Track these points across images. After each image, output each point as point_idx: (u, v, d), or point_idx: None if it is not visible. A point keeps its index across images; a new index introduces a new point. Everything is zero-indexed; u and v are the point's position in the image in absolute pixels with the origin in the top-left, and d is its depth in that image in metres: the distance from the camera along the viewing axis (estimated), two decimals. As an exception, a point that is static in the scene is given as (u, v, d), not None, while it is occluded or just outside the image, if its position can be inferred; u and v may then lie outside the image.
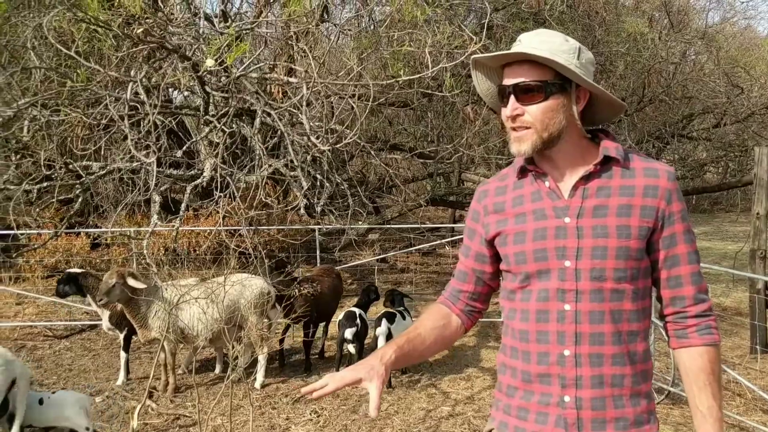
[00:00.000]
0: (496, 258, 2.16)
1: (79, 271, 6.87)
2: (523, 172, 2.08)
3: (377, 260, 11.34)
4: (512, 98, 1.96)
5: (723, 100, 12.83)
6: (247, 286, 6.44)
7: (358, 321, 6.75)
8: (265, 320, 6.70)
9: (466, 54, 3.71)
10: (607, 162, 1.98)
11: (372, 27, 8.53)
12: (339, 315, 7.14)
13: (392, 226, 11.99)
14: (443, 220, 16.14)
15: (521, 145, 1.97)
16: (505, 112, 1.99)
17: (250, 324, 6.46)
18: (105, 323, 6.79)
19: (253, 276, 6.61)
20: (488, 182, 2.22)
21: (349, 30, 9.01)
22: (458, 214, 15.37)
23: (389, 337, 6.51)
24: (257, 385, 6.59)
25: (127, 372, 6.91)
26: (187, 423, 5.84)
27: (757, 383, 6.13)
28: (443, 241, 12.05)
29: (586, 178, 1.98)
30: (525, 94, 1.94)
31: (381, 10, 8.14)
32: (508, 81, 1.97)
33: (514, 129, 1.99)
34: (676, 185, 1.99)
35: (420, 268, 12.57)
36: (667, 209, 1.95)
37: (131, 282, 6.03)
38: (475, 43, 3.59)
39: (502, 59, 2.00)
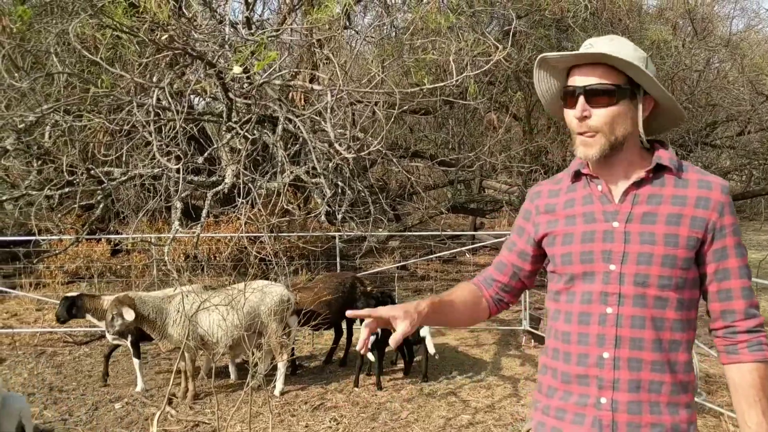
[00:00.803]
0: (537, 259, 2.21)
1: (74, 294, 6.93)
2: (577, 176, 2.10)
3: (397, 267, 11.31)
4: (581, 100, 1.94)
5: (747, 108, 12.68)
6: (267, 293, 6.42)
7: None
8: (285, 327, 6.67)
9: (492, 61, 3.67)
10: (660, 170, 1.99)
11: (394, 34, 8.52)
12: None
13: (413, 233, 11.95)
14: (464, 227, 16.06)
15: (589, 149, 1.97)
16: (573, 113, 1.97)
17: (270, 331, 6.44)
18: (108, 335, 6.80)
19: (273, 283, 6.60)
20: (542, 184, 2.24)
21: (372, 37, 9.02)
22: (479, 222, 15.29)
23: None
24: (276, 392, 6.57)
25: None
26: (206, 430, 5.83)
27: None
28: (464, 248, 12.00)
29: (638, 185, 1.99)
30: (595, 96, 1.93)
31: (403, 17, 8.13)
32: (578, 82, 1.95)
33: (580, 133, 1.98)
34: (729, 199, 1.98)
35: (440, 276, 12.51)
36: (719, 222, 1.94)
37: (124, 313, 6.06)
38: (500, 51, 3.55)
39: (573, 60, 1.98)
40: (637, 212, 1.96)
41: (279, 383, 6.63)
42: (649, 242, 1.92)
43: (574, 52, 1.96)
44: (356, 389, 6.76)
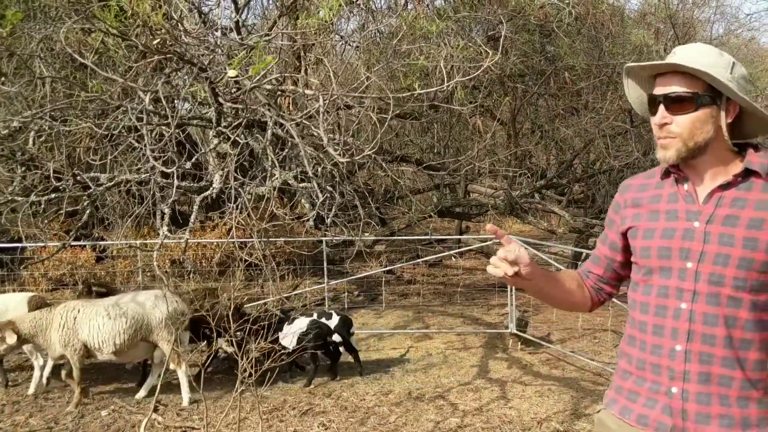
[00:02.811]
0: (628, 249, 2.28)
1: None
2: (666, 174, 2.18)
3: (384, 272, 11.32)
4: (662, 107, 2.04)
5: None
6: (158, 304, 6.48)
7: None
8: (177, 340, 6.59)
9: (482, 68, 3.71)
10: (748, 175, 2.03)
11: (378, 39, 8.54)
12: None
13: (399, 237, 11.97)
14: (449, 231, 16.11)
15: (666, 151, 2.06)
16: (654, 120, 2.08)
17: (162, 341, 6.49)
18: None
19: (168, 293, 6.63)
20: (634, 177, 2.34)
21: (355, 42, 9.04)
22: (464, 226, 15.34)
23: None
24: (185, 402, 6.55)
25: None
26: (194, 436, 5.81)
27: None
28: (450, 252, 12.03)
29: (724, 187, 2.04)
30: (675, 104, 2.02)
31: (388, 22, 8.16)
32: (659, 91, 2.06)
33: (660, 137, 2.07)
34: None
35: (427, 280, 12.54)
36: None
37: (7, 337, 6.25)
38: (491, 57, 3.58)
39: (653, 69, 2.09)
40: (719, 214, 2.02)
41: (184, 393, 6.60)
42: (728, 244, 1.98)
43: (651, 63, 2.08)
44: (344, 394, 6.77)
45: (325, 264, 9.31)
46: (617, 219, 2.30)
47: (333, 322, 7.17)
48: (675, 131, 2.02)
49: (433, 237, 13.37)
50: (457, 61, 5.13)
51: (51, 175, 5.31)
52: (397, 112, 6.89)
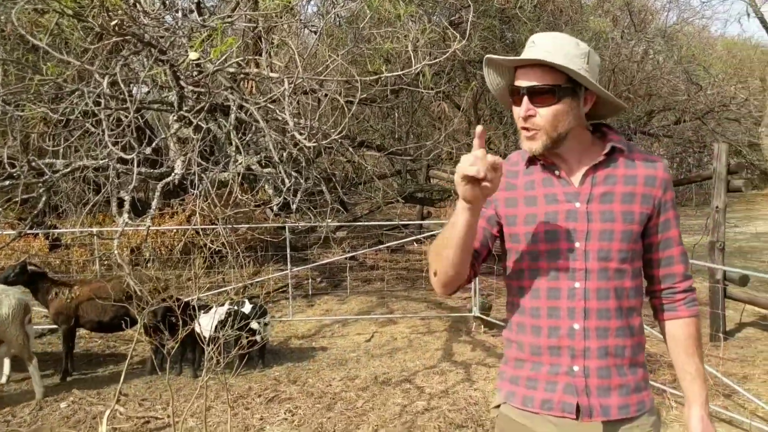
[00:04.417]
0: (501, 227, 2.24)
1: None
2: (532, 161, 2.18)
3: (347, 258, 11.29)
4: (525, 100, 2.04)
5: (683, 98, 13.07)
6: (2, 301, 6.29)
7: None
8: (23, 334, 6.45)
9: (450, 51, 3.68)
10: (612, 152, 2.12)
11: (340, 23, 8.47)
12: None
13: (362, 223, 11.94)
14: (411, 217, 16.13)
15: (533, 144, 2.08)
16: (518, 111, 2.08)
17: (10, 336, 6.31)
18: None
19: (9, 288, 6.51)
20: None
21: (315, 27, 8.94)
22: (426, 211, 15.38)
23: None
24: (37, 396, 6.36)
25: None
26: (158, 426, 5.73)
27: (718, 369, 6.27)
28: (412, 238, 12.05)
29: (595, 167, 2.12)
30: (538, 96, 2.03)
31: (348, 6, 8.08)
32: (521, 83, 2.06)
33: (525, 129, 2.08)
34: (669, 176, 2.19)
35: (389, 265, 12.55)
36: (663, 197, 2.14)
37: None
38: (458, 42, 3.56)
39: (515, 62, 2.10)
40: (596, 193, 2.09)
41: (37, 387, 6.41)
42: (610, 220, 2.07)
43: (515, 58, 2.08)
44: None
45: (288, 251, 9.24)
46: (496, 195, 2.14)
47: (247, 310, 6.97)
48: (539, 123, 2.04)
49: (396, 223, 13.37)
50: (422, 45, 5.10)
51: (4, 162, 5.15)
52: (363, 96, 6.84)
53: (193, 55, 3.33)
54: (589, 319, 2.06)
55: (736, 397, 5.98)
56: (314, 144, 3.62)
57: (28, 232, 8.47)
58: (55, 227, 11.35)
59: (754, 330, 8.22)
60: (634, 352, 2.13)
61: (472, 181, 1.84)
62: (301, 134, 3.60)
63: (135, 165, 4.11)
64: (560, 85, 2.02)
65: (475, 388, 6.43)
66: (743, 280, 7.60)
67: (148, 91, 6.87)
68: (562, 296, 2.08)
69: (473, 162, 1.82)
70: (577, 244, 2.07)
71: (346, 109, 4.23)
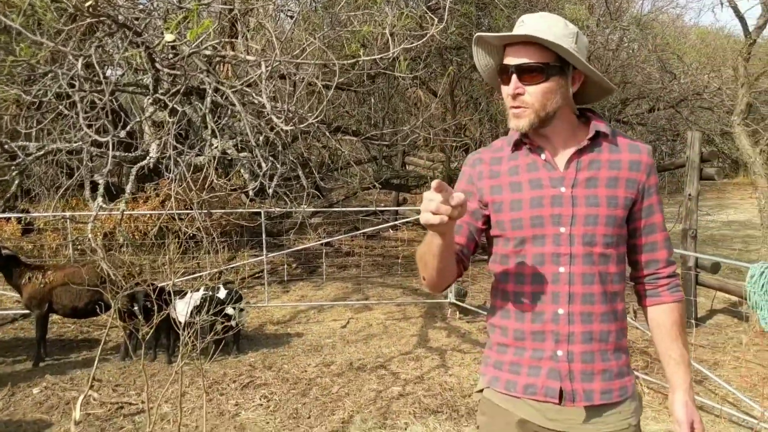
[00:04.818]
0: (486, 218, 2.24)
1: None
2: (517, 145, 2.19)
3: (322, 244, 11.28)
4: (514, 78, 2.05)
5: (657, 86, 13.18)
6: None
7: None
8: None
9: (428, 35, 3.67)
10: (597, 137, 2.13)
11: (317, 8, 8.40)
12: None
13: (338, 209, 11.92)
14: (386, 203, 16.15)
15: (519, 121, 2.08)
16: (507, 90, 2.09)
17: None
18: None
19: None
20: (481, 151, 2.31)
21: (291, 12, 8.87)
22: (401, 198, 15.41)
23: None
24: None
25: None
26: (131, 411, 5.70)
27: (690, 356, 6.35)
28: (388, 224, 12.07)
29: (579, 152, 2.12)
30: (527, 74, 2.04)
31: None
32: (510, 60, 2.07)
33: (513, 107, 2.09)
34: (653, 161, 2.20)
35: (365, 252, 12.56)
36: (647, 182, 2.15)
37: None
38: (436, 26, 3.56)
39: (506, 39, 2.09)
40: (581, 177, 2.10)
41: None
42: (594, 204, 2.08)
43: (505, 33, 2.07)
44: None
45: (263, 236, 9.20)
46: (474, 190, 2.22)
47: (221, 295, 6.93)
48: (527, 101, 2.05)
49: (372, 209, 13.36)
50: (399, 29, 5.09)
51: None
52: (341, 80, 6.79)
53: (168, 37, 3.28)
54: (573, 303, 2.08)
55: (707, 383, 6.08)
56: (291, 128, 3.59)
57: (4, 216, 8.33)
58: (28, 211, 11.19)
59: (724, 317, 8.36)
60: (617, 336, 2.14)
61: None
62: (278, 118, 3.57)
63: (110, 148, 4.05)
64: (549, 63, 2.02)
65: (450, 373, 6.48)
66: (715, 268, 7.71)
67: (123, 74, 6.78)
68: (546, 281, 2.09)
69: (436, 209, 1.78)
70: (562, 229, 2.07)
71: (324, 93, 4.20)
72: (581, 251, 2.07)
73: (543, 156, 2.13)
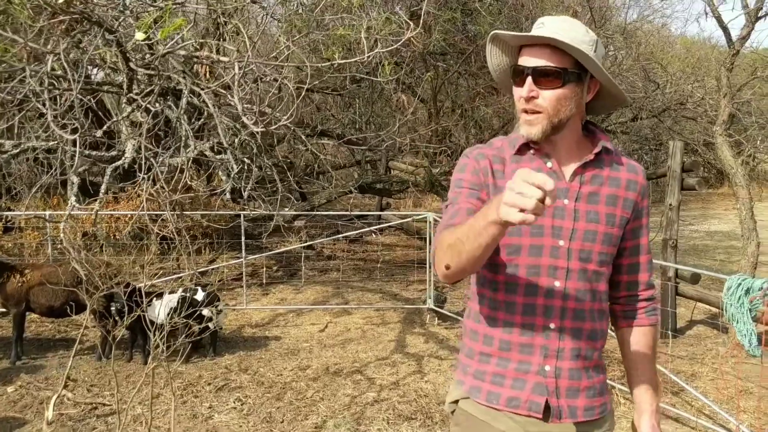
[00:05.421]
0: None
1: None
2: (521, 150, 2.09)
3: (303, 247, 11.26)
4: (529, 80, 1.96)
5: (640, 95, 13.25)
6: None
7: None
8: None
9: (404, 39, 3.66)
10: (600, 153, 2.07)
11: (301, 11, 8.40)
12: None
13: (319, 213, 11.91)
14: (370, 207, 16.15)
15: (532, 128, 2.00)
16: (520, 92, 1.99)
17: None
18: None
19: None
20: (482, 147, 2.18)
21: (276, 14, 8.86)
22: (385, 202, 15.43)
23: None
24: None
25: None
26: (105, 412, 5.66)
27: (667, 366, 6.39)
28: (370, 228, 12.06)
29: (584, 166, 2.06)
30: (543, 78, 1.95)
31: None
32: (527, 62, 1.98)
33: (525, 111, 2.00)
34: (646, 182, 2.18)
35: (347, 256, 12.55)
36: (641, 203, 2.13)
37: None
38: (412, 30, 3.55)
39: (525, 39, 2.00)
40: (584, 191, 2.04)
41: None
42: (594, 221, 2.03)
43: (525, 33, 1.98)
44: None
45: (243, 239, 9.18)
46: (483, 180, 2.08)
47: (199, 297, 6.91)
48: (541, 105, 1.96)
49: (353, 213, 13.36)
50: (379, 34, 5.09)
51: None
52: (317, 83, 6.78)
53: (139, 36, 3.26)
54: (565, 319, 2.03)
55: (683, 394, 6.10)
56: (262, 129, 3.57)
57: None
58: (9, 209, 11.11)
59: (704, 328, 8.40)
60: (599, 355, 2.14)
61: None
62: (249, 119, 3.55)
63: (78, 146, 4.02)
64: (567, 68, 1.94)
65: (426, 380, 6.47)
66: (695, 278, 7.75)
67: (96, 72, 6.75)
68: (539, 294, 2.02)
69: (533, 208, 1.52)
70: (561, 242, 2.01)
71: (294, 95, 4.18)
72: (577, 266, 2.02)
73: (549, 164, 2.06)
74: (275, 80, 4.59)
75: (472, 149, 2.21)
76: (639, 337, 2.19)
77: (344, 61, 3.82)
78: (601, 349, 2.13)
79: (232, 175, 4.58)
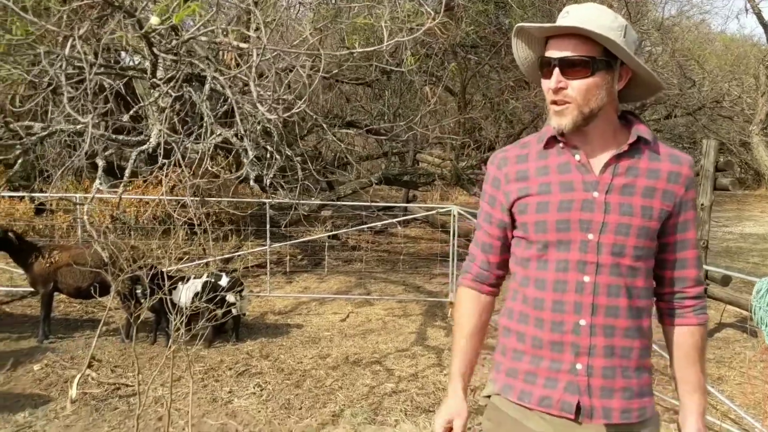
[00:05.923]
0: (513, 226, 2.17)
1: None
2: (549, 143, 2.08)
3: (328, 237, 11.30)
4: (557, 71, 1.94)
5: (675, 92, 13.03)
6: None
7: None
8: None
9: (424, 27, 3.63)
10: (637, 143, 2.02)
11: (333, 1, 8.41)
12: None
13: (345, 203, 11.94)
14: (396, 199, 16.14)
15: (562, 119, 1.97)
16: (548, 84, 1.97)
17: None
18: None
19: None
20: (507, 149, 2.20)
21: (305, 2, 8.87)
22: (411, 194, 15.41)
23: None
24: None
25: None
26: (127, 393, 5.75)
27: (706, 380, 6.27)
28: (395, 220, 12.06)
29: (618, 157, 2.00)
30: (571, 68, 1.93)
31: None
32: (553, 53, 1.95)
33: (555, 102, 1.98)
34: (693, 174, 2.06)
35: (371, 247, 12.56)
36: (685, 196, 2.03)
37: None
38: (434, 19, 3.52)
39: (550, 30, 1.97)
40: (617, 183, 1.98)
41: None
42: (628, 213, 1.97)
43: (549, 24, 1.95)
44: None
45: (268, 226, 9.23)
46: (500, 196, 2.16)
47: (223, 283, 6.96)
48: (570, 96, 1.93)
49: (378, 204, 13.37)
50: (406, 24, 5.05)
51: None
52: (344, 72, 6.77)
53: (154, 20, 3.27)
54: (596, 315, 1.98)
55: (709, 397, 5.98)
56: (275, 116, 3.57)
57: (7, 194, 8.41)
58: (42, 191, 11.31)
59: (733, 331, 8.24)
60: (640, 354, 2.04)
61: None
62: (263, 105, 3.55)
63: (101, 129, 4.07)
64: (595, 57, 1.90)
65: (445, 373, 6.45)
66: (725, 280, 7.59)
67: (126, 57, 6.82)
68: (569, 289, 1.99)
69: None
70: (590, 236, 1.97)
71: (315, 84, 4.19)
72: (609, 261, 1.97)
73: (577, 157, 2.01)
74: (302, 67, 4.59)
75: (497, 153, 2.23)
76: (686, 337, 2.10)
77: (363, 49, 3.80)
78: (642, 348, 2.04)
79: (248, 162, 4.60)
